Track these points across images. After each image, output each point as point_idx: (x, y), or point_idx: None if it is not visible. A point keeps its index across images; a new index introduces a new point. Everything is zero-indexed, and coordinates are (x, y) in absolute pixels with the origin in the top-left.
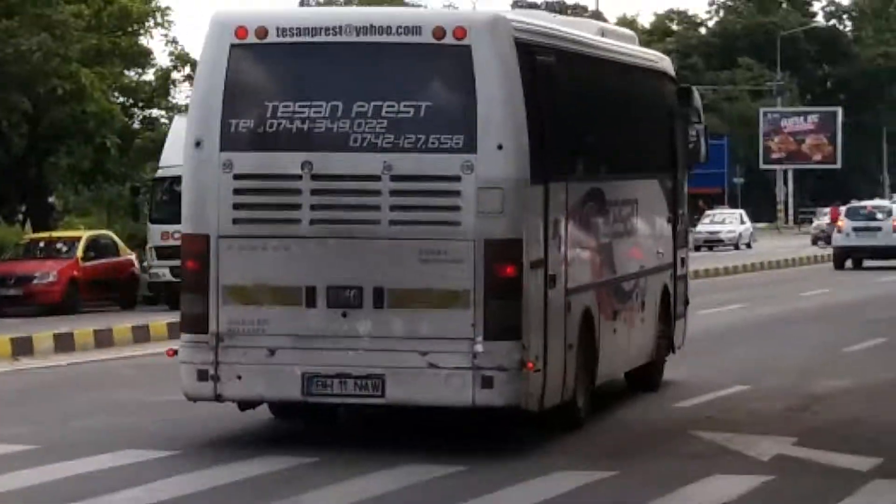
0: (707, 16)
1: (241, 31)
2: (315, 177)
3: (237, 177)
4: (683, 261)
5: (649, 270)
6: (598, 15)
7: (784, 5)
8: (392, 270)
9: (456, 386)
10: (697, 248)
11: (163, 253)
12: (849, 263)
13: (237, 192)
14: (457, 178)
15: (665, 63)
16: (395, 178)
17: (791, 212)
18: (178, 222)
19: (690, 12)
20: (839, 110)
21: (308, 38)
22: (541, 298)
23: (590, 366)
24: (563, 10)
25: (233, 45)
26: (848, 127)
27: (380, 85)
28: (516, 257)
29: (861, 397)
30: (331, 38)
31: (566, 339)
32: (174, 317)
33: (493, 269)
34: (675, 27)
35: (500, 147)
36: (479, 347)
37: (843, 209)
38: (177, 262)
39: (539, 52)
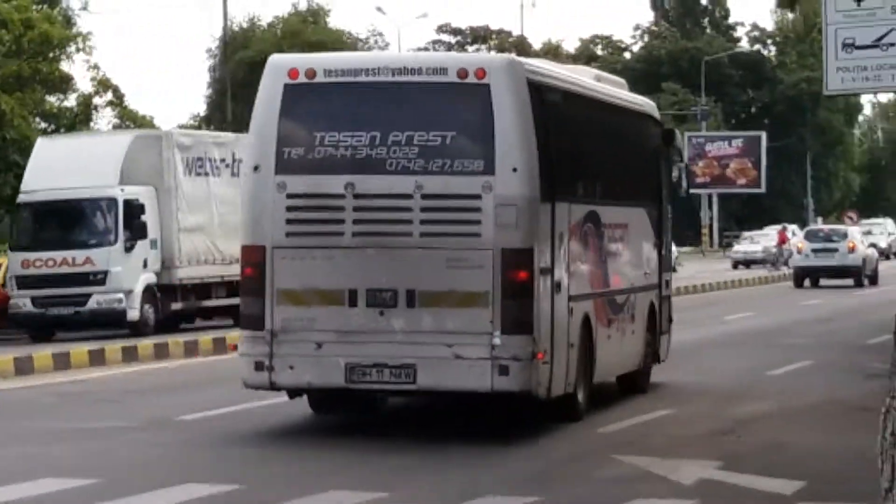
0: (632, 41)
1: (293, 72)
2: (356, 196)
3: (290, 196)
4: (668, 283)
5: (638, 288)
6: (522, 40)
7: (708, 31)
8: (422, 275)
9: (477, 374)
10: None
11: (24, 282)
12: (807, 283)
13: (289, 209)
14: (478, 197)
15: (651, 107)
16: (424, 197)
17: (715, 236)
18: (42, 249)
19: (615, 37)
20: (763, 135)
21: (351, 79)
22: (548, 301)
23: (588, 365)
24: (487, 35)
25: (286, 84)
26: (772, 151)
27: (412, 117)
28: (528, 264)
29: (784, 421)
30: (370, 79)
31: (569, 339)
32: (94, 344)
33: (509, 274)
34: (600, 52)
35: (514, 170)
36: (496, 340)
37: (794, 231)
38: (39, 292)
39: (546, 92)
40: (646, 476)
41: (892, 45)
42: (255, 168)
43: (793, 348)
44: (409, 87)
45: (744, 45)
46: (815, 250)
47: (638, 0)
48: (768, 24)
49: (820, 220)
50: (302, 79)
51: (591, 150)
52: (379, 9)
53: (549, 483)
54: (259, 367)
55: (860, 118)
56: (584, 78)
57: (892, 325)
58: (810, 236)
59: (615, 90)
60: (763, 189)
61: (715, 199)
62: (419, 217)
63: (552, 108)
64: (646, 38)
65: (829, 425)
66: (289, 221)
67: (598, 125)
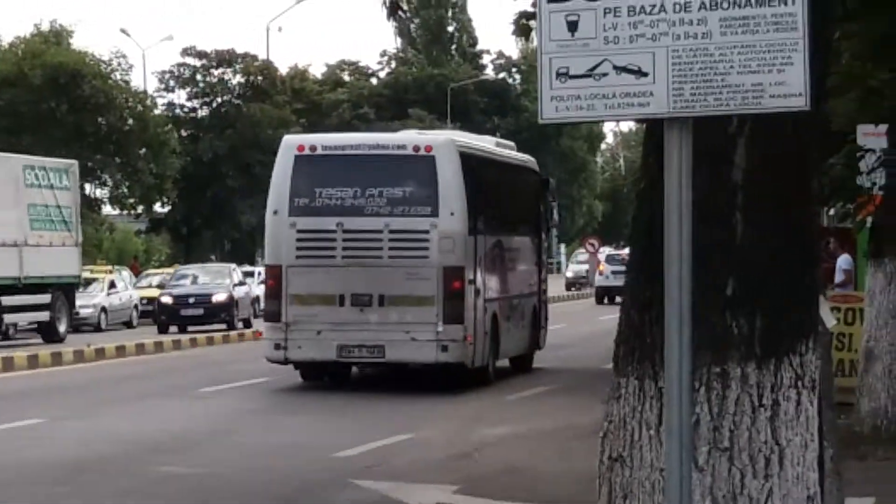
0: (379, 67)
1: (300, 146)
2: (344, 231)
3: (299, 231)
4: (545, 292)
5: (526, 295)
6: (268, 64)
7: (455, 58)
8: (389, 284)
9: (427, 350)
10: None
11: None
12: (606, 300)
13: (298, 240)
14: (427, 231)
15: (533, 163)
16: (391, 231)
17: None
18: None
19: (362, 63)
20: None
21: (340, 151)
22: (472, 302)
23: (495, 347)
24: (232, 59)
25: (296, 155)
26: None
27: (381, 177)
28: (461, 277)
29: (520, 445)
30: (353, 152)
31: (485, 328)
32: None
33: (448, 284)
34: (347, 77)
35: (451, 214)
36: (440, 328)
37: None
38: None
39: (469, 158)
40: (384, 501)
41: (604, 75)
42: (275, 212)
43: (529, 372)
44: (379, 157)
45: (490, 72)
46: (614, 272)
47: (385, 26)
48: (513, 53)
49: (563, 246)
50: (307, 151)
51: (496, 197)
52: (123, 30)
53: None
54: (277, 346)
55: (602, 146)
56: (489, 145)
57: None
58: (610, 259)
59: (508, 151)
60: None
61: None
62: (387, 245)
63: (473, 169)
64: (392, 65)
65: (564, 449)
66: (298, 248)
67: (500, 179)
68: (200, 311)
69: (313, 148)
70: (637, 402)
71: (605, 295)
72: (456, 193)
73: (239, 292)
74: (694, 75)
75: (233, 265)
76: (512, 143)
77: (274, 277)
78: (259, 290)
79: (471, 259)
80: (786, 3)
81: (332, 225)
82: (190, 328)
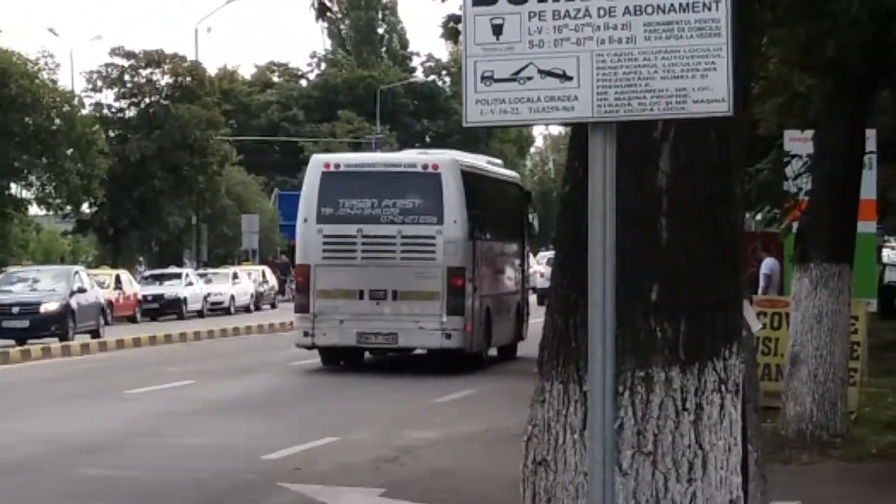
0: (308, 68)
1: (326, 164)
2: (364, 236)
3: (325, 236)
4: (527, 290)
5: (512, 292)
6: (197, 65)
7: (385, 60)
8: (401, 281)
9: (432, 337)
10: None
11: None
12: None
13: (325, 243)
14: (433, 237)
15: (517, 177)
16: (403, 237)
17: None
18: None
19: (292, 65)
20: None
21: (360, 169)
22: (471, 297)
23: (488, 336)
24: (161, 59)
25: (322, 172)
26: None
27: (395, 191)
28: (462, 276)
29: (447, 448)
30: (371, 169)
31: (481, 319)
32: None
33: (451, 281)
34: (276, 79)
35: (455, 222)
36: (444, 319)
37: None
38: None
39: (468, 175)
40: (310, 503)
41: (529, 78)
42: (305, 220)
43: (457, 375)
44: (393, 174)
45: (419, 75)
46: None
47: (314, 28)
48: (443, 55)
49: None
50: (332, 168)
51: (489, 208)
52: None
53: None
54: (305, 334)
55: (532, 149)
56: (482, 163)
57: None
58: (541, 261)
59: (498, 168)
60: None
61: None
62: (400, 248)
63: (471, 184)
64: (322, 66)
65: (491, 452)
66: (324, 250)
67: (492, 192)
68: (26, 323)
69: (337, 166)
70: (561, 405)
71: (545, 296)
72: (458, 205)
73: (80, 300)
74: (618, 80)
75: (76, 268)
76: (500, 161)
77: (303, 275)
78: (115, 294)
79: (470, 260)
80: (709, 9)
81: (354, 231)
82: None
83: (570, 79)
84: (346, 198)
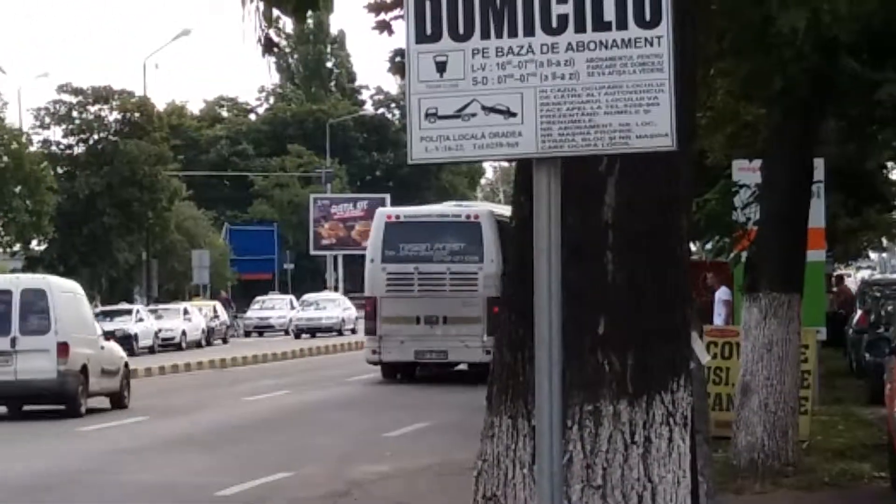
0: (257, 103)
1: (388, 216)
2: (419, 273)
3: (388, 273)
4: None
5: None
6: (145, 100)
7: (334, 94)
8: (450, 309)
9: (475, 353)
10: (248, 334)
11: None
12: None
13: (388, 280)
14: (475, 273)
15: None
16: (451, 273)
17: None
18: None
19: (241, 99)
20: (388, 197)
21: (416, 219)
22: None
23: None
24: (109, 95)
25: (386, 222)
26: None
27: (444, 237)
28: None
29: (399, 482)
30: (425, 219)
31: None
32: None
33: (490, 308)
34: (225, 114)
35: (492, 260)
36: (484, 338)
37: None
38: None
39: (500, 223)
40: None
41: (473, 115)
42: (371, 260)
43: (410, 409)
44: (443, 223)
45: (368, 108)
46: None
47: (263, 62)
48: (392, 88)
49: None
50: (394, 219)
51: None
52: None
53: None
54: (373, 352)
55: (482, 181)
56: (509, 212)
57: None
58: None
59: None
60: None
61: (340, 261)
62: (449, 282)
63: (503, 230)
64: (271, 101)
65: (443, 486)
66: (387, 285)
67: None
68: None
69: (398, 217)
70: (510, 440)
71: None
72: (494, 247)
73: None
74: (562, 115)
75: None
76: None
77: (371, 305)
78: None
79: None
80: (651, 45)
81: (411, 269)
82: None
83: (514, 115)
84: (405, 242)
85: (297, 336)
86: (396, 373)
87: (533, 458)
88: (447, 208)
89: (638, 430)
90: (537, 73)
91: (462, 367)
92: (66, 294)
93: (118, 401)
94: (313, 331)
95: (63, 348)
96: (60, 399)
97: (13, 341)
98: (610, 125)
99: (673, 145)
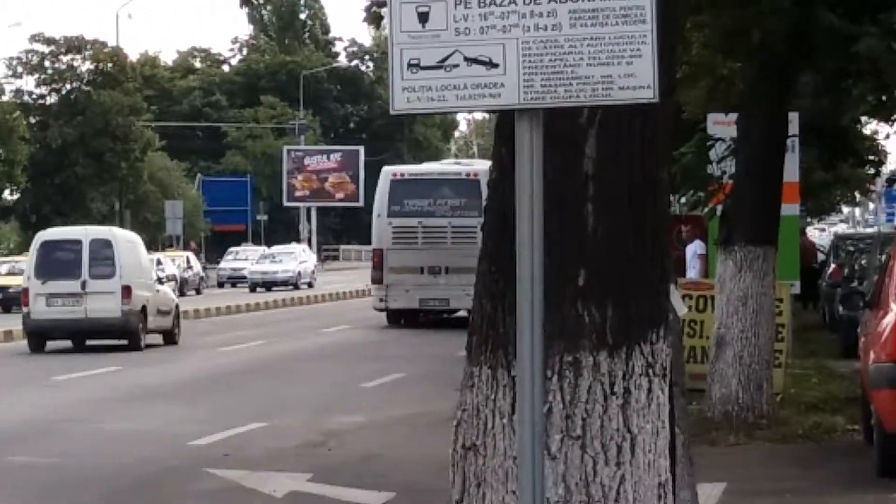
0: (230, 54)
1: (393, 174)
2: (423, 227)
3: (394, 227)
4: None
5: None
6: (118, 51)
7: (308, 45)
8: (452, 260)
9: None
10: (221, 285)
11: None
12: None
13: (394, 233)
14: (475, 226)
15: None
16: (453, 227)
17: (315, 249)
18: None
19: (214, 50)
20: (361, 149)
21: (419, 176)
22: None
23: None
24: (82, 45)
25: (391, 179)
26: (370, 166)
27: (446, 193)
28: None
29: (375, 433)
30: (428, 176)
31: None
32: None
33: None
34: (198, 65)
35: None
36: None
37: None
38: None
39: None
40: (237, 489)
41: (455, 66)
42: (378, 215)
43: (387, 360)
44: (444, 180)
45: (342, 60)
46: None
47: (236, 13)
48: (366, 41)
49: None
50: (398, 177)
51: None
52: None
53: (140, 498)
54: (380, 300)
55: (456, 133)
56: None
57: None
58: None
59: None
60: (361, 203)
61: (314, 213)
62: (450, 235)
63: None
64: (244, 52)
65: (419, 437)
66: (393, 238)
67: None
68: None
69: (402, 174)
70: (490, 390)
71: None
72: None
73: None
74: (544, 67)
75: None
76: None
77: (378, 256)
78: None
79: None
80: None
81: (415, 223)
82: None
83: (497, 66)
84: (409, 198)
85: (252, 290)
86: (401, 318)
87: (513, 409)
88: (448, 167)
89: (617, 380)
90: (520, 23)
91: (462, 313)
92: (128, 243)
93: (170, 337)
94: (268, 284)
95: (126, 291)
96: (124, 335)
97: (83, 284)
98: (592, 77)
99: (655, 97)
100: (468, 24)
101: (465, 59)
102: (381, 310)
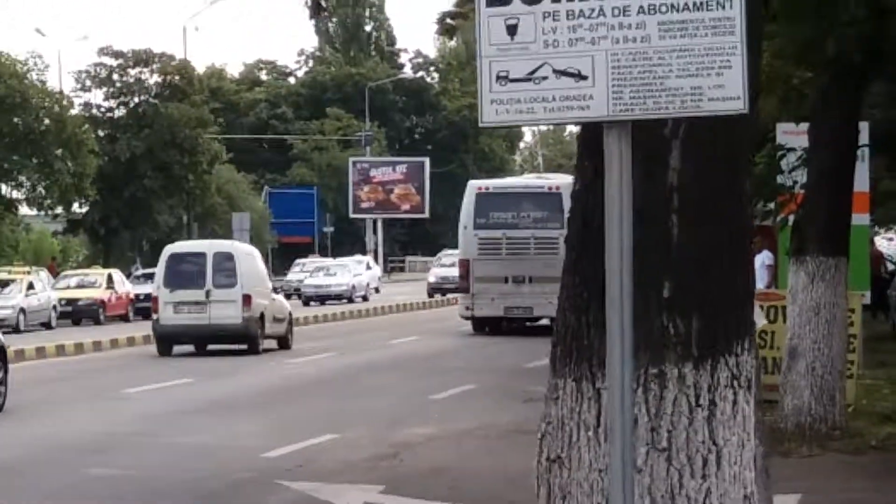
0: (296, 66)
1: (479, 188)
2: (507, 238)
3: (479, 239)
4: None
5: None
6: (186, 63)
7: (373, 57)
8: (535, 269)
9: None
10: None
11: None
12: None
13: (479, 244)
14: (556, 238)
15: None
16: (535, 239)
17: (381, 260)
18: None
19: (280, 62)
20: (426, 161)
21: (504, 190)
22: None
23: None
24: (149, 59)
25: (476, 193)
26: (435, 177)
27: (529, 206)
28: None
29: (446, 444)
30: (512, 190)
31: None
32: None
33: None
34: (264, 77)
35: None
36: None
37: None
38: None
39: None
40: (311, 501)
41: (544, 78)
42: (465, 227)
43: (455, 372)
44: (528, 193)
45: (407, 71)
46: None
47: (302, 25)
48: (431, 52)
49: None
50: (483, 191)
51: None
52: (38, 30)
53: None
54: (467, 308)
55: (521, 145)
56: None
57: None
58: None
59: None
60: (427, 214)
61: (380, 224)
62: (533, 246)
63: None
64: (310, 64)
65: (489, 448)
66: (479, 249)
67: None
68: None
69: (487, 188)
70: (575, 403)
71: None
72: None
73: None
74: (633, 79)
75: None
76: None
77: (465, 267)
78: (107, 293)
79: None
80: (723, 7)
81: (500, 235)
82: None
83: (585, 78)
84: (494, 211)
85: (306, 303)
86: (485, 326)
87: (598, 421)
88: (531, 180)
89: (703, 392)
90: (608, 35)
91: (544, 321)
92: (247, 255)
93: (284, 342)
94: (322, 298)
95: (247, 299)
96: (244, 340)
97: (208, 293)
98: (681, 88)
99: (745, 108)
100: (557, 36)
101: (554, 71)
102: (466, 318)
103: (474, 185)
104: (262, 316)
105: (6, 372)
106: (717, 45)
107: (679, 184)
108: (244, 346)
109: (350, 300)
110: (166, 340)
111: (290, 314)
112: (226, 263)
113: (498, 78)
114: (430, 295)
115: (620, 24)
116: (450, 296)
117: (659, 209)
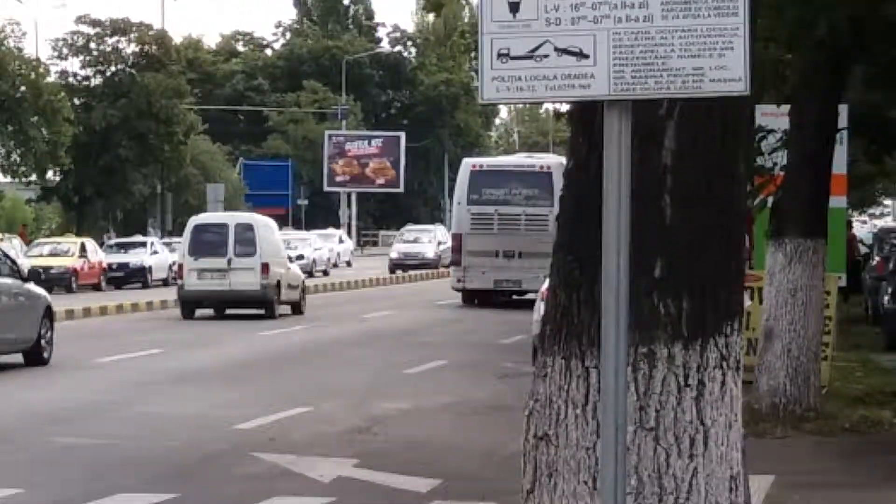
0: (273, 38)
1: (474, 165)
2: (499, 214)
3: (472, 214)
4: None
5: None
6: (163, 33)
7: (351, 30)
8: (525, 245)
9: (546, 284)
10: None
11: None
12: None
13: (472, 219)
14: (546, 214)
15: None
16: (526, 215)
17: (354, 234)
18: None
19: (257, 34)
20: (403, 135)
21: (497, 168)
22: None
23: None
24: (127, 28)
25: (471, 170)
26: (411, 151)
27: (521, 184)
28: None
29: (420, 419)
30: (505, 168)
31: None
32: None
33: None
34: (241, 48)
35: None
36: None
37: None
38: None
39: None
40: (284, 473)
41: (545, 56)
42: (458, 203)
43: (429, 347)
44: (520, 172)
45: (385, 45)
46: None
47: None
48: (409, 26)
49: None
50: (477, 168)
51: None
52: None
53: (187, 480)
54: (458, 280)
55: (497, 121)
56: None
57: (531, 328)
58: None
59: None
60: (401, 189)
61: (354, 198)
62: (524, 223)
63: None
64: (287, 36)
65: (463, 424)
66: (471, 224)
67: None
68: None
69: (481, 166)
70: (563, 380)
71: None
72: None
73: None
74: (635, 58)
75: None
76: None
77: (457, 240)
78: (79, 262)
79: None
80: None
81: (492, 210)
82: None
83: (587, 57)
84: (487, 188)
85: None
86: (475, 299)
87: (586, 399)
88: (523, 159)
89: (692, 373)
90: (611, 14)
91: (531, 295)
92: (266, 227)
93: (297, 308)
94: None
95: (265, 267)
96: (262, 305)
97: (229, 262)
98: (683, 69)
99: (746, 90)
100: (559, 14)
101: (556, 49)
102: (458, 290)
103: (469, 163)
104: (278, 283)
105: (52, 330)
106: (719, 26)
107: (673, 164)
108: (261, 311)
109: (310, 274)
110: (190, 304)
111: (304, 282)
112: (246, 234)
113: (499, 55)
114: (392, 271)
115: (623, 3)
116: (412, 272)
117: (652, 189)
